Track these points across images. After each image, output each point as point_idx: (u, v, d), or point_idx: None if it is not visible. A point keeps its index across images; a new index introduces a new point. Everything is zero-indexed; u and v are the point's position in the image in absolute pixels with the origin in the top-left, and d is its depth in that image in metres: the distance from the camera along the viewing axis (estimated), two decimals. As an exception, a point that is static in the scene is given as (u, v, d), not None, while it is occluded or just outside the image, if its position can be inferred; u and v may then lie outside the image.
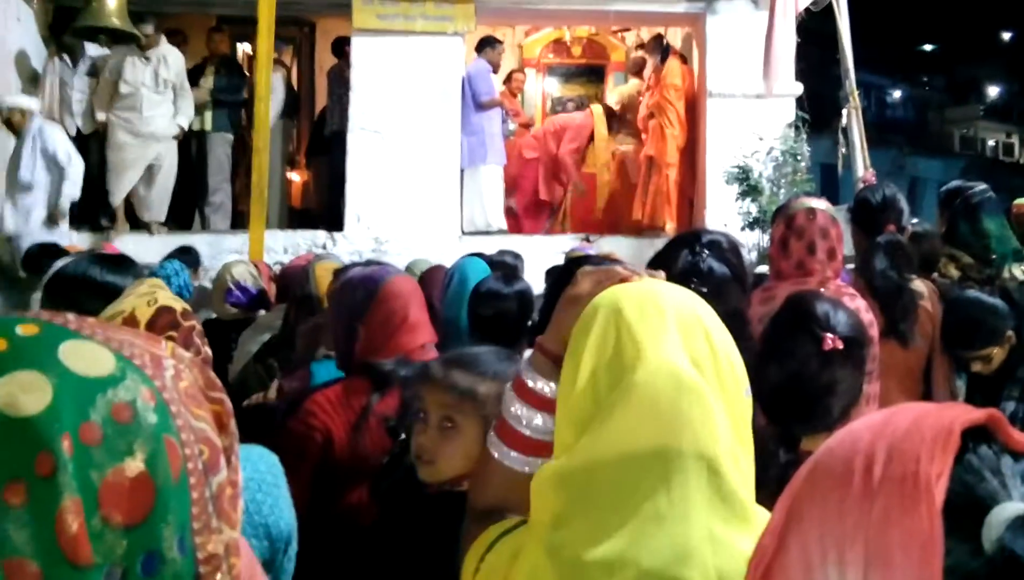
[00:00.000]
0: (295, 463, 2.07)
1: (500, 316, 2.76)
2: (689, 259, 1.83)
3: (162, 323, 1.55)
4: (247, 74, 8.54)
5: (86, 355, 0.60)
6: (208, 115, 8.13)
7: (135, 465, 0.58)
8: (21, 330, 0.60)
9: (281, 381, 2.78)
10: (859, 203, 3.25)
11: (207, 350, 1.61)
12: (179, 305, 1.62)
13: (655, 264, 1.75)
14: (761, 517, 1.00)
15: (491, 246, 5.30)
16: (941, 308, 3.06)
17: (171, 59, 7.54)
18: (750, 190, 7.45)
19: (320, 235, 7.82)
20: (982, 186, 3.76)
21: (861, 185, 6.16)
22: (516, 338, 2.61)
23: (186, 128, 7.66)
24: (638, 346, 1.01)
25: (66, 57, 7.69)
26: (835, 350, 1.66)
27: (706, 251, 1.85)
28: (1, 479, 0.54)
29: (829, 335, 1.67)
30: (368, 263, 3.12)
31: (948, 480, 0.56)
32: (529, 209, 9.13)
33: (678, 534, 0.95)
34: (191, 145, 8.22)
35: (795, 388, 1.67)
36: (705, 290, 1.73)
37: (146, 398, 0.60)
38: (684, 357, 1.01)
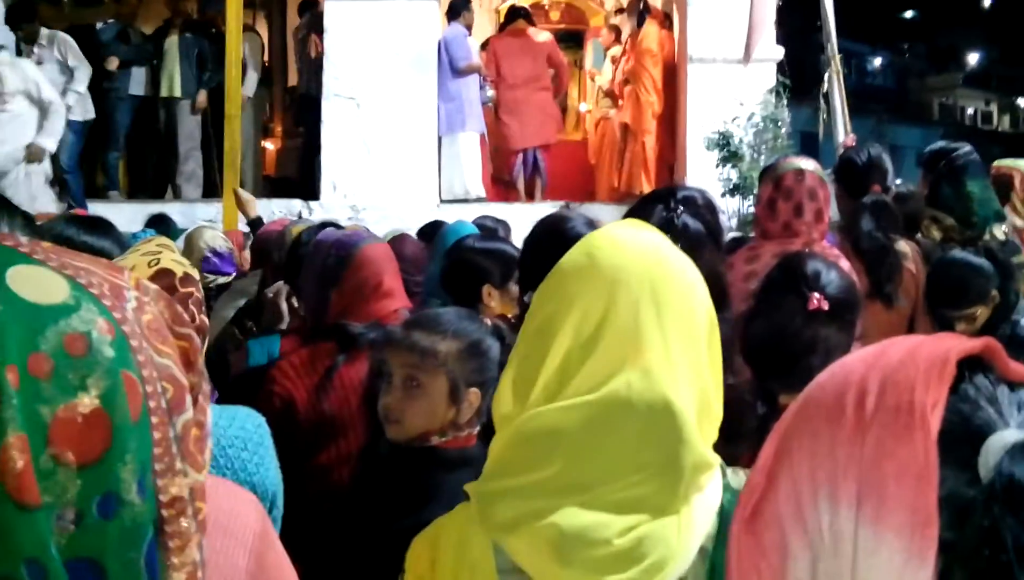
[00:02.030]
0: None
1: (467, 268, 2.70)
2: (663, 215, 1.82)
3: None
4: (214, 38, 8.34)
5: (37, 281, 0.55)
6: (177, 81, 7.93)
7: (89, 401, 0.53)
8: None
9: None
10: (844, 164, 3.26)
11: (203, 319, 1.58)
12: (180, 270, 1.58)
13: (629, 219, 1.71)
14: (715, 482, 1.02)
15: (470, 214, 5.21)
16: (924, 269, 3.05)
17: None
18: (731, 156, 7.41)
19: (296, 204, 7.71)
20: (966, 148, 3.75)
21: (842, 150, 6.13)
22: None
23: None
24: (625, 346, 0.98)
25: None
26: (820, 310, 1.64)
27: (681, 207, 1.85)
28: None
29: (816, 295, 1.65)
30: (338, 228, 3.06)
31: (943, 409, 0.54)
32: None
33: (606, 507, 0.95)
34: (160, 112, 8.05)
35: (778, 345, 1.66)
36: (679, 247, 1.73)
37: (103, 330, 0.55)
38: (669, 358, 0.99)
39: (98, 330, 0.55)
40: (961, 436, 0.54)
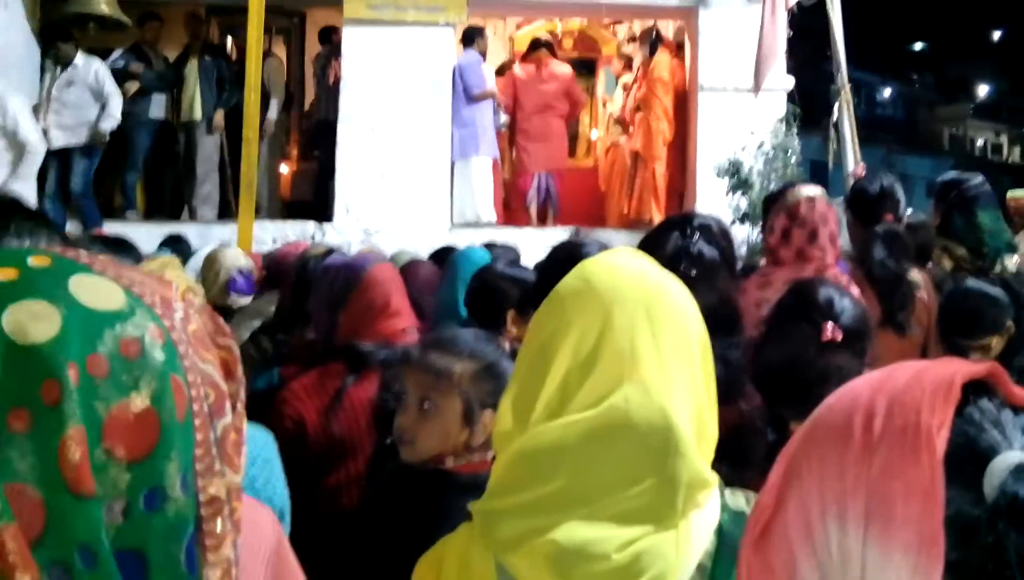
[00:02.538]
0: None
1: (494, 294, 2.74)
2: (679, 242, 1.85)
3: None
4: (234, 63, 8.45)
5: (96, 289, 0.59)
6: (196, 105, 8.04)
7: (140, 401, 0.58)
8: (33, 261, 0.60)
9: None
10: (856, 193, 3.27)
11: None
12: (184, 284, 1.61)
13: (645, 247, 1.75)
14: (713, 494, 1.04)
15: (481, 238, 5.27)
16: (936, 298, 3.06)
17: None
18: (741, 184, 7.45)
19: (309, 226, 7.78)
20: (978, 179, 3.77)
21: (852, 180, 6.16)
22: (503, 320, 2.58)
23: None
24: (623, 363, 1.01)
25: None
26: (834, 340, 1.65)
27: (696, 234, 1.87)
28: (5, 405, 0.54)
29: (829, 324, 1.65)
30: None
31: (949, 431, 0.56)
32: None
33: (606, 524, 0.97)
34: (179, 135, 8.14)
35: (791, 373, 1.66)
36: (694, 273, 1.76)
37: (154, 335, 0.60)
38: (666, 376, 1.02)
39: (150, 335, 0.60)
40: (966, 457, 0.55)
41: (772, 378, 1.68)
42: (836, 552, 0.58)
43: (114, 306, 0.59)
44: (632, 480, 0.98)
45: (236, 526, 0.65)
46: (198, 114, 8.07)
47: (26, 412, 0.54)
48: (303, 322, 2.86)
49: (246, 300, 3.96)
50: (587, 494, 0.98)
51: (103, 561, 0.55)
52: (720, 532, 1.02)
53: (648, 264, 1.12)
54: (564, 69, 8.82)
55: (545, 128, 8.54)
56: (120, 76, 7.63)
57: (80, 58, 7.13)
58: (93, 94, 7.09)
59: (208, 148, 8.12)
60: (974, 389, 0.59)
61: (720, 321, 1.45)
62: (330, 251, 3.16)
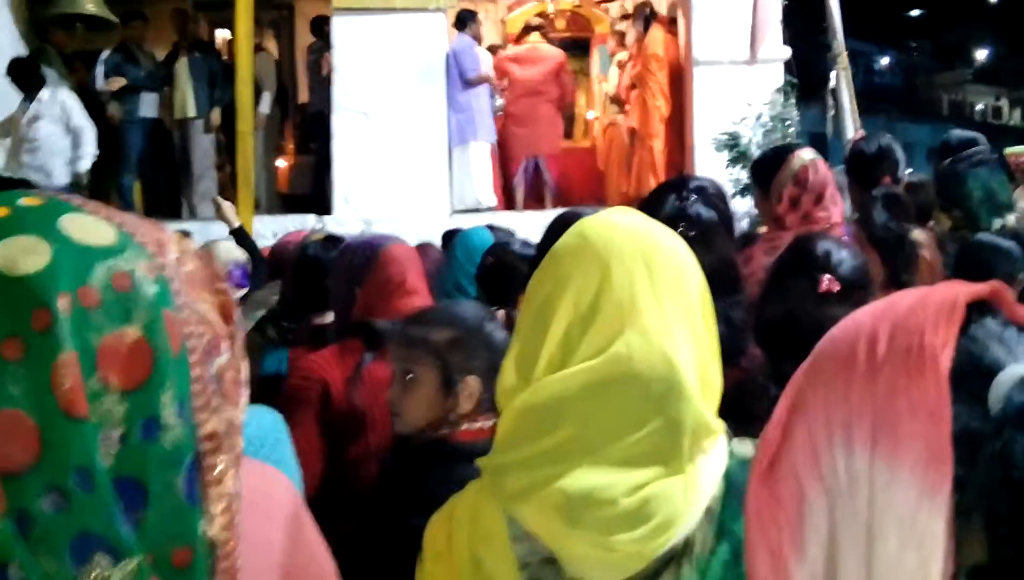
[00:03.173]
0: (301, 416, 2.18)
1: (510, 273, 2.72)
2: (676, 204, 1.86)
3: None
4: (224, 58, 8.42)
5: (88, 226, 0.61)
6: (189, 102, 8.00)
7: (133, 331, 0.59)
8: (24, 201, 0.61)
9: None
10: (854, 155, 3.25)
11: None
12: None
13: (642, 210, 1.72)
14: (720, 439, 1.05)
15: (481, 223, 5.22)
16: (940, 256, 3.05)
17: None
18: (740, 157, 7.40)
19: (309, 219, 7.75)
20: (976, 147, 3.73)
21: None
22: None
23: None
24: (623, 313, 1.01)
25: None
26: (831, 291, 1.64)
27: (693, 196, 1.89)
28: None
29: (826, 276, 1.65)
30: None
31: (953, 349, 0.55)
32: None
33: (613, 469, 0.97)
34: (174, 133, 8.12)
35: (790, 326, 1.64)
36: (692, 234, 1.76)
37: (146, 270, 0.61)
38: (666, 323, 1.02)
39: (142, 270, 0.60)
40: (971, 374, 0.55)
41: (772, 333, 1.68)
42: (844, 477, 0.58)
43: (105, 242, 0.60)
44: (637, 425, 0.98)
45: (237, 461, 0.66)
46: (191, 111, 8.02)
47: (19, 341, 0.55)
48: (308, 308, 2.86)
49: (242, 292, 3.96)
50: (593, 442, 0.98)
51: (100, 485, 0.56)
52: (727, 477, 1.02)
53: (644, 219, 1.13)
54: (553, 53, 8.76)
55: (533, 112, 8.47)
56: (109, 76, 7.61)
57: (45, 91, 6.80)
58: (63, 128, 6.76)
59: (203, 145, 8.09)
60: (978, 309, 0.58)
61: (720, 281, 1.44)
62: (331, 237, 3.15)
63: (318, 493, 2.12)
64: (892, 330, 0.58)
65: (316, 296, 2.76)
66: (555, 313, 1.03)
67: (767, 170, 2.76)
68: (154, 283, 0.61)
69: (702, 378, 1.03)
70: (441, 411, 1.68)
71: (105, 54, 7.94)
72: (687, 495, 0.98)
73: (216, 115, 7.99)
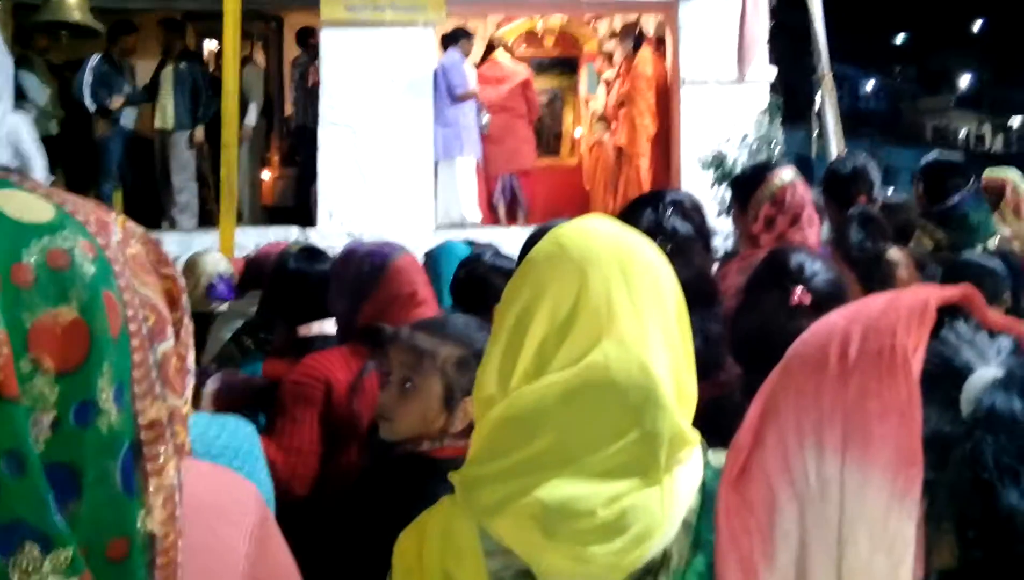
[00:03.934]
0: (302, 414, 2.16)
1: (483, 285, 2.71)
2: (652, 218, 1.87)
3: None
4: (210, 70, 8.38)
5: (25, 203, 0.58)
6: (170, 113, 7.94)
7: (69, 311, 0.56)
8: None
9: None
10: (830, 174, 3.24)
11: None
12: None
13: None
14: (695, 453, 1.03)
15: (466, 238, 5.22)
16: (918, 276, 3.04)
17: None
18: (725, 177, 7.42)
19: (292, 231, 7.72)
20: (966, 176, 3.75)
21: (834, 166, 6.15)
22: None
23: None
24: (600, 321, 1.00)
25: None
26: (802, 303, 1.61)
27: (669, 210, 1.90)
28: None
29: (799, 288, 1.62)
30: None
31: (925, 352, 0.55)
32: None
33: (590, 481, 0.96)
34: (154, 143, 8.08)
35: (762, 340, 1.61)
36: (669, 248, 1.74)
37: (85, 249, 0.58)
38: (644, 332, 1.00)
39: (81, 249, 0.57)
40: (943, 377, 0.55)
41: (745, 346, 1.65)
42: (815, 481, 0.57)
43: (42, 219, 0.57)
44: (614, 435, 0.96)
45: (179, 451, 0.63)
46: (171, 123, 7.96)
47: None
48: (288, 319, 2.83)
49: (227, 305, 3.93)
50: (569, 452, 0.96)
51: (31, 469, 0.54)
52: (704, 489, 1.01)
53: (620, 227, 1.11)
54: (519, 70, 8.87)
55: (505, 130, 8.53)
56: (97, 88, 7.56)
57: None
58: (11, 151, 6.42)
59: (184, 156, 8.02)
60: (949, 313, 0.58)
61: (697, 294, 1.42)
62: (309, 249, 3.12)
63: (311, 494, 2.09)
64: (864, 332, 0.58)
65: (297, 307, 2.73)
66: (532, 321, 1.01)
67: (746, 188, 2.75)
68: (93, 262, 0.58)
69: (678, 387, 1.02)
70: (434, 426, 1.66)
71: (93, 62, 7.88)
72: (664, 507, 0.96)
73: (200, 132, 7.95)
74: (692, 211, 1.93)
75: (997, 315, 0.59)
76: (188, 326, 0.66)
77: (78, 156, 7.26)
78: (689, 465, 1.01)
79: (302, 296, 2.66)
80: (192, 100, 7.95)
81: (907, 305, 0.57)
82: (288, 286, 2.76)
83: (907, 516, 0.53)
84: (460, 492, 1.04)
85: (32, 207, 0.58)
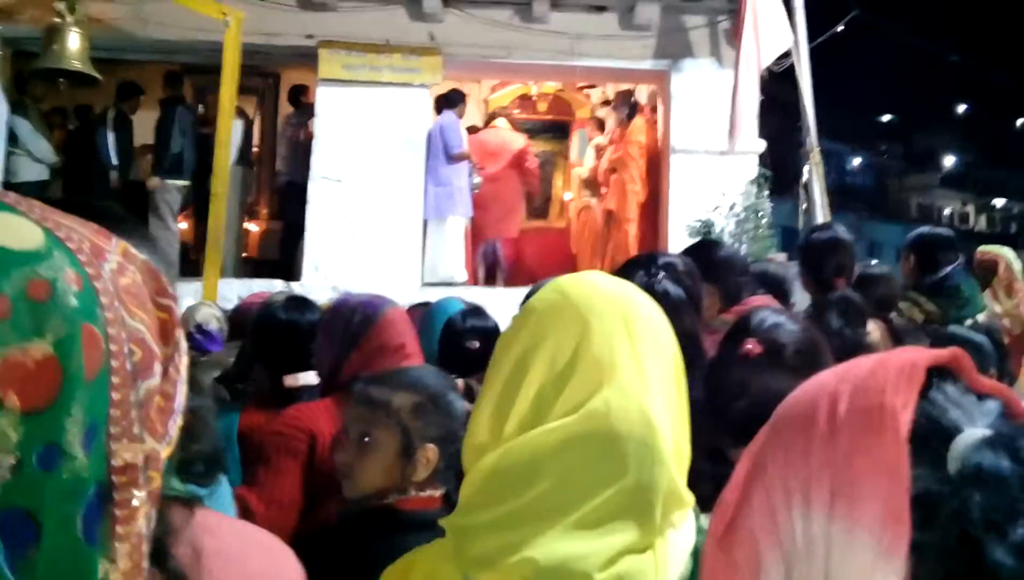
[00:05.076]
0: (285, 466, 2.11)
1: (459, 350, 2.71)
2: (644, 280, 1.84)
3: None
4: (198, 121, 8.44)
5: (12, 228, 0.54)
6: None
7: (42, 347, 0.52)
8: None
9: None
10: (808, 245, 3.18)
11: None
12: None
13: None
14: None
15: (451, 296, 5.20)
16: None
17: None
18: (712, 244, 7.46)
19: (276, 284, 7.67)
20: (955, 251, 3.77)
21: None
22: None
23: None
24: (601, 370, 0.98)
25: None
26: (751, 354, 1.54)
27: (661, 273, 1.87)
28: None
29: (750, 340, 1.56)
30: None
31: (913, 411, 0.55)
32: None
33: (588, 542, 0.93)
34: (137, 193, 8.10)
35: (716, 395, 1.57)
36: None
37: (70, 280, 0.54)
38: (645, 383, 0.99)
39: (65, 280, 0.54)
40: (931, 436, 0.54)
41: (706, 407, 1.58)
42: (801, 539, 0.56)
43: (29, 246, 0.54)
44: (611, 483, 0.94)
45: (152, 498, 0.58)
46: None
47: None
48: (269, 367, 2.79)
49: (209, 355, 3.89)
50: (565, 501, 0.94)
51: None
52: (696, 554, 0.98)
53: (621, 282, 1.10)
54: (515, 139, 9.02)
55: (494, 197, 8.63)
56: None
57: None
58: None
59: (165, 206, 8.04)
60: (938, 375, 0.58)
61: (686, 362, 1.38)
62: (296, 298, 3.09)
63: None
64: (853, 391, 0.57)
65: (283, 356, 2.68)
66: (530, 368, 0.99)
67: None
68: (76, 296, 0.54)
69: (675, 444, 1.00)
70: (396, 478, 1.63)
71: (110, 115, 8.20)
72: (658, 573, 0.94)
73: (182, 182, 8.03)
74: (684, 275, 1.90)
75: (985, 379, 0.59)
76: (180, 362, 0.62)
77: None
78: (683, 530, 0.99)
79: (290, 345, 2.63)
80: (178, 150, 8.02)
81: (896, 365, 0.57)
82: (276, 335, 2.73)
83: (892, 575, 0.52)
84: (450, 539, 1.00)
85: (20, 233, 0.54)
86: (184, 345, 0.64)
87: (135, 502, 0.57)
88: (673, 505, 0.98)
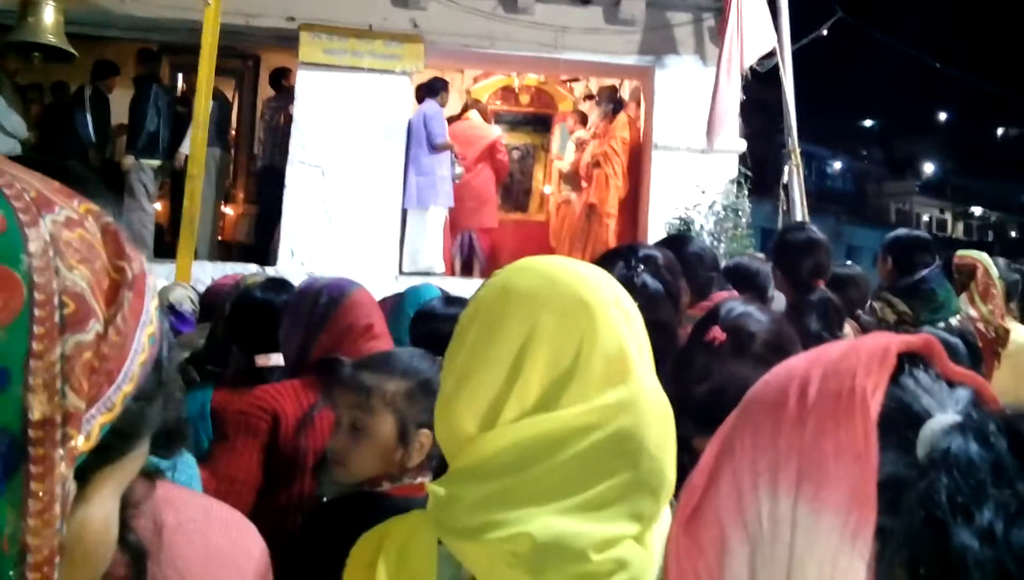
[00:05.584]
0: (244, 445, 2.09)
1: (436, 335, 2.67)
2: (624, 272, 1.82)
3: None
4: (176, 101, 8.35)
5: None
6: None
7: None
8: None
9: None
10: (782, 245, 3.15)
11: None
12: None
13: None
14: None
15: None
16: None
17: None
18: (690, 242, 7.45)
19: (251, 268, 7.59)
20: (932, 254, 3.78)
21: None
22: None
23: None
24: (610, 364, 0.96)
25: None
26: (716, 341, 1.53)
27: (641, 266, 1.86)
28: None
29: (715, 326, 1.55)
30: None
31: (883, 396, 0.55)
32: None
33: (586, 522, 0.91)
34: (113, 172, 8.00)
35: (681, 383, 1.52)
36: (638, 303, 1.68)
37: None
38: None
39: None
40: (900, 421, 0.54)
41: (674, 397, 1.57)
42: (767, 522, 0.56)
43: None
44: (620, 473, 0.92)
45: (69, 457, 0.56)
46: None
47: None
48: (243, 347, 2.75)
49: (180, 336, 3.85)
50: (568, 485, 0.91)
51: None
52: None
53: (590, 266, 1.07)
54: (488, 131, 8.99)
55: (469, 189, 8.60)
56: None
57: None
58: None
59: (139, 186, 7.95)
60: (910, 361, 0.57)
61: (660, 354, 1.35)
62: (274, 280, 3.05)
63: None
64: (823, 374, 0.57)
65: (258, 337, 2.66)
66: (527, 360, 0.95)
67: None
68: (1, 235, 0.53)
69: None
70: (391, 464, 1.61)
71: (87, 93, 8.08)
72: (649, 565, 0.92)
73: (155, 162, 7.94)
74: (665, 269, 1.90)
75: (957, 367, 0.59)
76: (126, 327, 0.59)
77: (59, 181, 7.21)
78: (663, 521, 0.98)
79: (265, 326, 2.62)
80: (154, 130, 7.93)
81: (868, 349, 0.57)
82: (252, 315, 2.72)
83: (858, 557, 0.52)
84: (434, 505, 0.96)
85: None
86: (150, 316, 0.61)
87: (51, 460, 0.54)
88: (666, 498, 0.97)
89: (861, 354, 0.57)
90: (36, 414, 0.53)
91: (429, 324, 2.79)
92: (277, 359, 2.59)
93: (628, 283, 1.75)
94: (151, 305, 0.62)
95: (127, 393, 0.58)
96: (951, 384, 0.58)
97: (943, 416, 0.54)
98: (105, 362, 0.57)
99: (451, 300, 2.94)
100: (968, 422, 0.53)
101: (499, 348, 0.98)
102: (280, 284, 2.85)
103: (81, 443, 0.56)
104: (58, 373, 0.54)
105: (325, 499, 1.76)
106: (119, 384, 0.58)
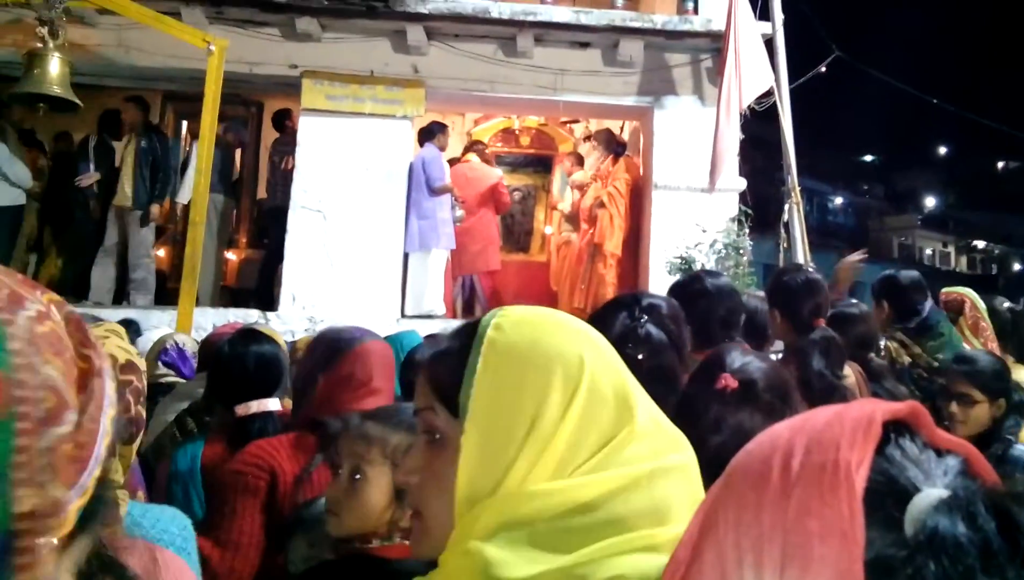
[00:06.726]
0: (245, 505, 2.06)
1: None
2: (627, 323, 1.79)
3: None
4: (170, 147, 8.40)
5: None
6: (129, 191, 7.93)
7: None
8: None
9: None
10: (778, 286, 3.13)
11: (140, 410, 1.52)
12: (123, 356, 1.52)
13: (593, 325, 1.64)
14: None
15: (429, 329, 5.15)
16: (869, 391, 2.97)
17: None
18: (692, 281, 7.44)
19: (253, 314, 7.60)
20: (924, 290, 3.79)
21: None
22: None
23: None
24: (620, 411, 0.94)
25: None
26: (728, 389, 1.52)
27: (645, 316, 1.82)
28: None
29: (725, 375, 1.54)
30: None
31: (869, 469, 0.53)
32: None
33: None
34: (111, 219, 8.04)
35: (689, 431, 1.52)
36: (641, 356, 1.67)
37: None
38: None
39: None
40: (887, 495, 0.53)
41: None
42: None
43: None
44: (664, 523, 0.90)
45: (59, 549, 0.57)
46: (129, 201, 7.94)
47: None
48: (223, 401, 2.75)
49: (174, 379, 3.85)
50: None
51: None
52: None
53: (569, 317, 1.03)
54: (490, 172, 9.01)
55: (471, 232, 8.62)
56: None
57: None
58: None
59: (141, 233, 7.96)
60: (896, 430, 0.56)
61: (664, 403, 1.34)
62: (245, 330, 3.07)
63: None
64: (808, 445, 0.55)
65: (233, 388, 2.66)
66: (538, 418, 0.91)
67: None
68: None
69: None
70: (384, 521, 1.58)
71: (92, 143, 8.17)
72: None
73: (156, 210, 7.98)
74: (668, 319, 1.85)
75: (945, 434, 0.57)
76: (96, 415, 0.61)
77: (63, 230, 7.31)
78: None
79: (238, 377, 2.63)
80: (151, 180, 7.93)
81: (852, 418, 0.55)
82: (225, 369, 2.73)
83: None
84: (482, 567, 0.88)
85: None
86: (111, 400, 0.62)
87: (38, 551, 0.54)
88: None
89: (845, 424, 0.55)
90: (21, 507, 0.54)
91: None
92: (257, 406, 2.59)
93: (632, 334, 1.75)
94: (110, 389, 0.63)
95: (97, 476, 0.59)
96: (939, 452, 0.56)
97: (930, 491, 0.52)
98: (80, 450, 0.59)
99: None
100: (955, 500, 0.51)
101: (499, 406, 0.93)
102: (249, 334, 2.84)
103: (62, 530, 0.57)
104: (41, 466, 0.55)
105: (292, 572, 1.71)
106: (91, 470, 0.59)
